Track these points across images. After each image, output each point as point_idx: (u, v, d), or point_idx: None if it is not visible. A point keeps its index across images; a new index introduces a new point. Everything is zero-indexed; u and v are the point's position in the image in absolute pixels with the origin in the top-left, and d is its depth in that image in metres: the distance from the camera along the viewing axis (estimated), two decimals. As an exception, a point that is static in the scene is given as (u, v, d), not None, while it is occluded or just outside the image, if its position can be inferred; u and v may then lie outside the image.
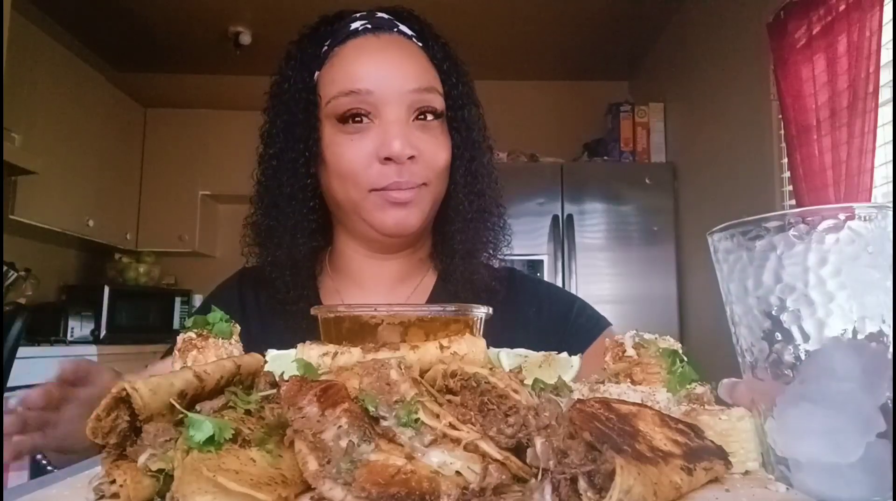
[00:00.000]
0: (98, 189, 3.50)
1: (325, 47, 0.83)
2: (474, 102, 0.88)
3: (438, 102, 0.82)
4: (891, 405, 0.37)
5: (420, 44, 0.85)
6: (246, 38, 3.68)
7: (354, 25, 0.83)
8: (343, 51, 0.81)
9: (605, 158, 3.65)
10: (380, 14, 0.85)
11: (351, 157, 0.79)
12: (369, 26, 0.83)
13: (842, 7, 2.03)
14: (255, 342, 0.60)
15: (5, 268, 2.86)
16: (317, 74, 0.83)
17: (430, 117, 0.81)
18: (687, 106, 3.38)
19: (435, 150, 0.81)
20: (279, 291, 0.85)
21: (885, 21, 1.87)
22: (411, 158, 0.78)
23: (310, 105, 0.81)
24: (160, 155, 3.97)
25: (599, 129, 3.87)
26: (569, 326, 0.91)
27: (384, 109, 0.78)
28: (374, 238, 0.85)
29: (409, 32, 0.85)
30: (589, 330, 0.90)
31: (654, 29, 3.61)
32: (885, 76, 1.91)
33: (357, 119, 0.79)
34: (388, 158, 0.77)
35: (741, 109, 2.75)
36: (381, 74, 0.79)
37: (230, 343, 0.59)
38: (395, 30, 0.84)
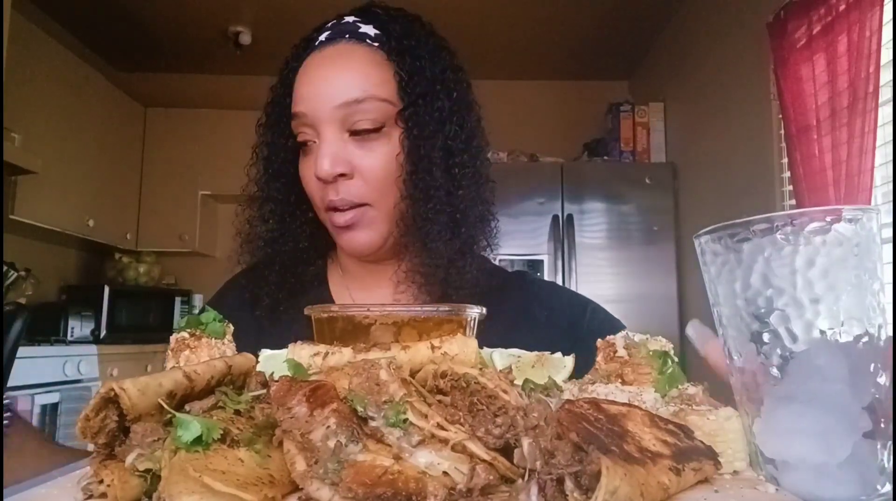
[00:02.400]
0: (98, 189, 3.50)
1: (297, 65, 0.81)
2: (439, 97, 0.80)
3: (376, 110, 0.76)
4: (878, 404, 0.37)
5: (377, 44, 0.80)
6: (246, 38, 3.68)
7: (320, 37, 0.81)
8: (299, 71, 0.80)
9: (606, 157, 3.65)
10: (346, 18, 0.82)
11: (306, 179, 0.80)
12: (326, 36, 0.80)
13: (842, 7, 2.02)
14: (265, 338, 0.60)
15: (5, 268, 2.87)
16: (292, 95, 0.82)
17: (365, 129, 0.76)
18: (687, 106, 3.38)
19: (372, 165, 0.77)
20: (281, 300, 0.86)
21: (885, 21, 1.87)
22: (343, 175, 0.76)
23: (285, 127, 0.82)
24: (160, 155, 3.97)
25: (599, 129, 3.86)
26: (583, 330, 0.86)
27: (319, 129, 0.77)
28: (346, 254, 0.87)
29: (371, 33, 0.80)
30: (603, 333, 0.86)
31: (654, 29, 3.61)
32: (885, 76, 1.90)
33: (303, 139, 0.79)
34: (319, 178, 0.76)
35: (741, 108, 2.74)
36: (312, 93, 0.77)
37: (223, 343, 0.59)
38: (347, 35, 0.80)
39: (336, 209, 0.78)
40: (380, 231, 0.80)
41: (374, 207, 0.79)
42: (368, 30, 0.80)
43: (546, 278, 3.29)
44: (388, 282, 0.90)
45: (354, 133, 0.77)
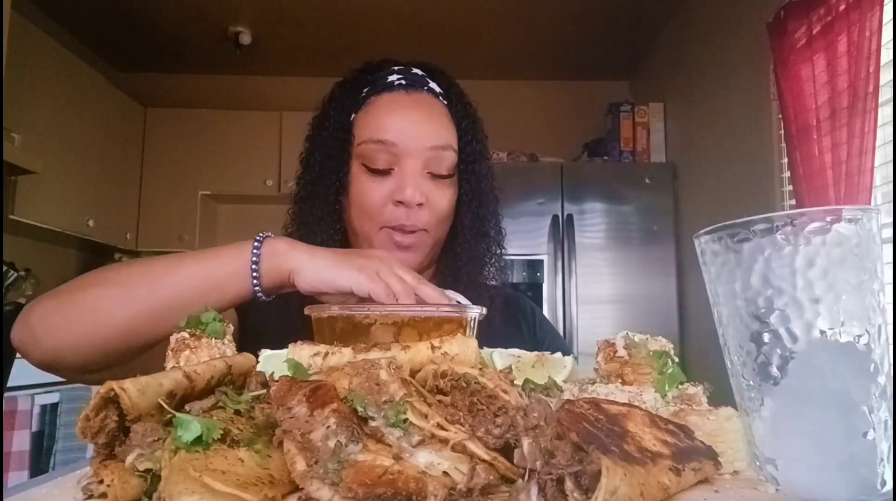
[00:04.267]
0: (98, 189, 3.50)
1: (364, 93, 0.94)
2: (486, 157, 0.99)
3: (451, 159, 0.92)
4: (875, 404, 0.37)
5: (445, 102, 0.95)
6: (246, 38, 3.68)
7: (391, 78, 0.94)
8: (378, 101, 0.92)
9: (605, 158, 3.64)
10: (414, 70, 0.96)
11: (371, 196, 0.90)
12: (403, 82, 0.93)
13: (842, 7, 2.02)
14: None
15: (5, 268, 2.87)
16: (353, 116, 0.93)
17: (442, 173, 0.92)
18: (687, 106, 3.38)
19: (440, 199, 0.92)
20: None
21: (885, 21, 1.87)
22: (420, 205, 0.89)
23: (343, 143, 0.93)
24: (160, 155, 3.96)
25: (599, 129, 3.86)
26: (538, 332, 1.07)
27: (404, 160, 0.89)
28: None
29: (438, 90, 0.95)
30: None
31: (654, 29, 3.60)
32: (885, 76, 1.90)
33: (381, 165, 0.90)
34: (400, 202, 0.89)
35: (741, 109, 2.74)
36: (405, 129, 0.90)
37: (223, 343, 0.59)
38: (426, 88, 0.94)
39: (400, 230, 0.90)
40: (425, 255, 0.94)
41: (430, 233, 0.93)
42: (435, 87, 0.96)
43: (546, 278, 3.30)
44: None
45: (430, 171, 0.91)
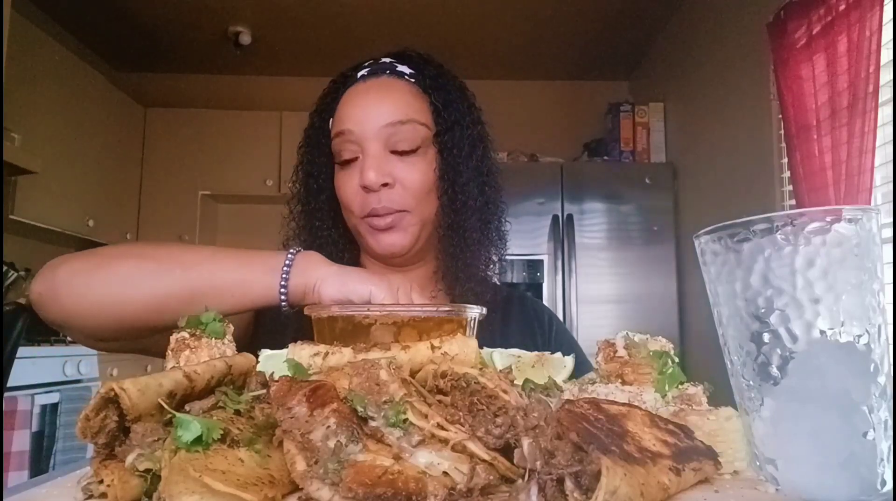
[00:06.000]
0: (98, 189, 3.50)
1: (338, 95, 0.94)
2: (465, 126, 0.94)
3: (417, 132, 0.89)
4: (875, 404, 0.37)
5: (413, 80, 0.93)
6: (246, 38, 3.68)
7: (359, 74, 0.93)
8: (343, 98, 0.93)
9: (605, 157, 3.65)
10: (383, 59, 0.95)
11: (345, 189, 0.90)
12: (366, 73, 0.93)
13: (842, 7, 2.02)
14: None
15: (5, 268, 2.87)
16: (330, 121, 0.94)
17: (406, 148, 0.89)
18: (687, 106, 3.38)
19: (412, 177, 0.89)
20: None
21: (885, 21, 1.87)
22: (386, 185, 0.87)
23: (324, 147, 0.94)
24: (160, 155, 3.96)
25: (599, 129, 3.86)
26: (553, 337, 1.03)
27: (364, 145, 0.88)
28: (375, 256, 0.95)
29: (406, 72, 0.93)
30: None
31: (654, 29, 3.60)
32: (885, 76, 1.90)
33: (346, 155, 0.89)
34: (365, 187, 0.87)
35: (741, 108, 2.74)
36: (359, 114, 0.89)
37: (223, 343, 0.59)
38: (388, 72, 0.93)
39: (376, 215, 0.88)
40: (413, 234, 0.91)
41: (411, 213, 0.90)
42: (404, 69, 0.94)
43: (546, 278, 3.30)
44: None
45: (395, 151, 0.88)
